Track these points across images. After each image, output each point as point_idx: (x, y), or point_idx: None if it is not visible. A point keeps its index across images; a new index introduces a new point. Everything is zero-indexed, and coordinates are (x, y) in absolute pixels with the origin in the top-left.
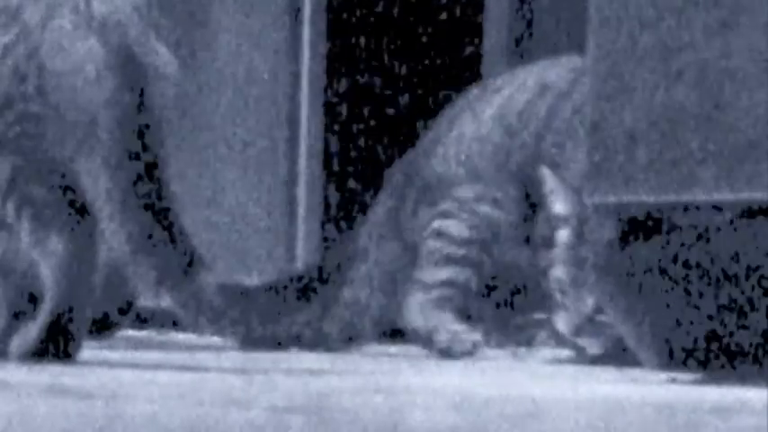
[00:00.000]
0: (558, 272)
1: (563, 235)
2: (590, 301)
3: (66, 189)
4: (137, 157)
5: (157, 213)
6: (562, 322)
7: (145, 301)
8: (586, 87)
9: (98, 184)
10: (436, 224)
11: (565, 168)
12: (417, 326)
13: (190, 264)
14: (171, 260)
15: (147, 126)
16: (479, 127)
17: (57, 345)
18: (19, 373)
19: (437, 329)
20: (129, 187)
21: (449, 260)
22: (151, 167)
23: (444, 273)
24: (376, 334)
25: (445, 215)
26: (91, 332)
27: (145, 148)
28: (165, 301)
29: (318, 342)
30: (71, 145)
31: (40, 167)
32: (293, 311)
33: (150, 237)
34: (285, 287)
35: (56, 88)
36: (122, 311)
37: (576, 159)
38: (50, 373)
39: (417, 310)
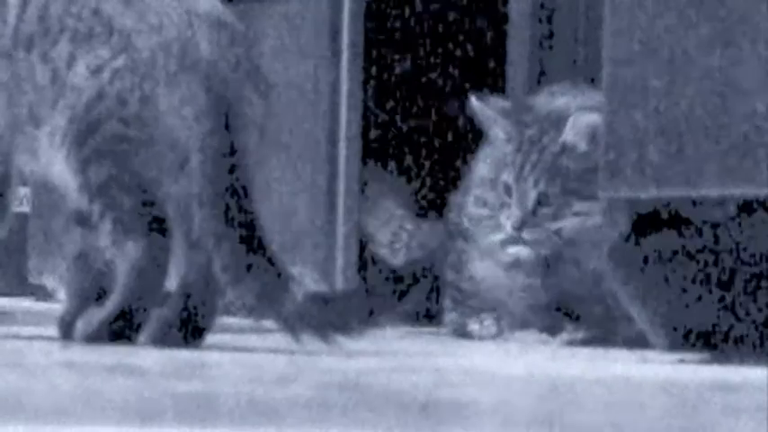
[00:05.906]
0: (504, 176)
1: (509, 148)
2: (532, 195)
3: (149, 204)
4: (228, 194)
5: (250, 243)
6: (506, 219)
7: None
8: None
9: (191, 216)
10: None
11: None
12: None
13: (283, 281)
14: (267, 282)
15: (236, 166)
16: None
17: (119, 332)
18: (82, 353)
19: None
20: (223, 222)
21: None
22: (242, 203)
23: None
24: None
25: None
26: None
27: (235, 186)
28: (265, 317)
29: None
30: (160, 171)
31: (131, 182)
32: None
33: (246, 265)
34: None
35: (154, 121)
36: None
37: None
38: (111, 353)
39: None
